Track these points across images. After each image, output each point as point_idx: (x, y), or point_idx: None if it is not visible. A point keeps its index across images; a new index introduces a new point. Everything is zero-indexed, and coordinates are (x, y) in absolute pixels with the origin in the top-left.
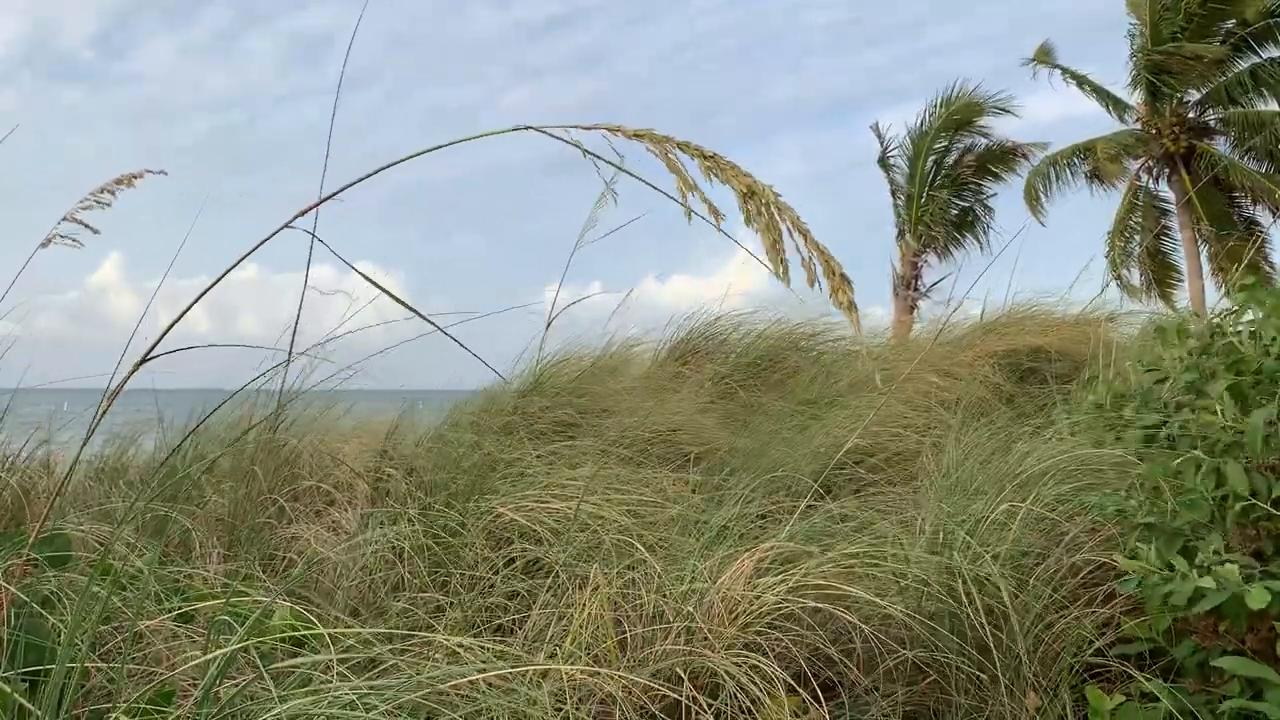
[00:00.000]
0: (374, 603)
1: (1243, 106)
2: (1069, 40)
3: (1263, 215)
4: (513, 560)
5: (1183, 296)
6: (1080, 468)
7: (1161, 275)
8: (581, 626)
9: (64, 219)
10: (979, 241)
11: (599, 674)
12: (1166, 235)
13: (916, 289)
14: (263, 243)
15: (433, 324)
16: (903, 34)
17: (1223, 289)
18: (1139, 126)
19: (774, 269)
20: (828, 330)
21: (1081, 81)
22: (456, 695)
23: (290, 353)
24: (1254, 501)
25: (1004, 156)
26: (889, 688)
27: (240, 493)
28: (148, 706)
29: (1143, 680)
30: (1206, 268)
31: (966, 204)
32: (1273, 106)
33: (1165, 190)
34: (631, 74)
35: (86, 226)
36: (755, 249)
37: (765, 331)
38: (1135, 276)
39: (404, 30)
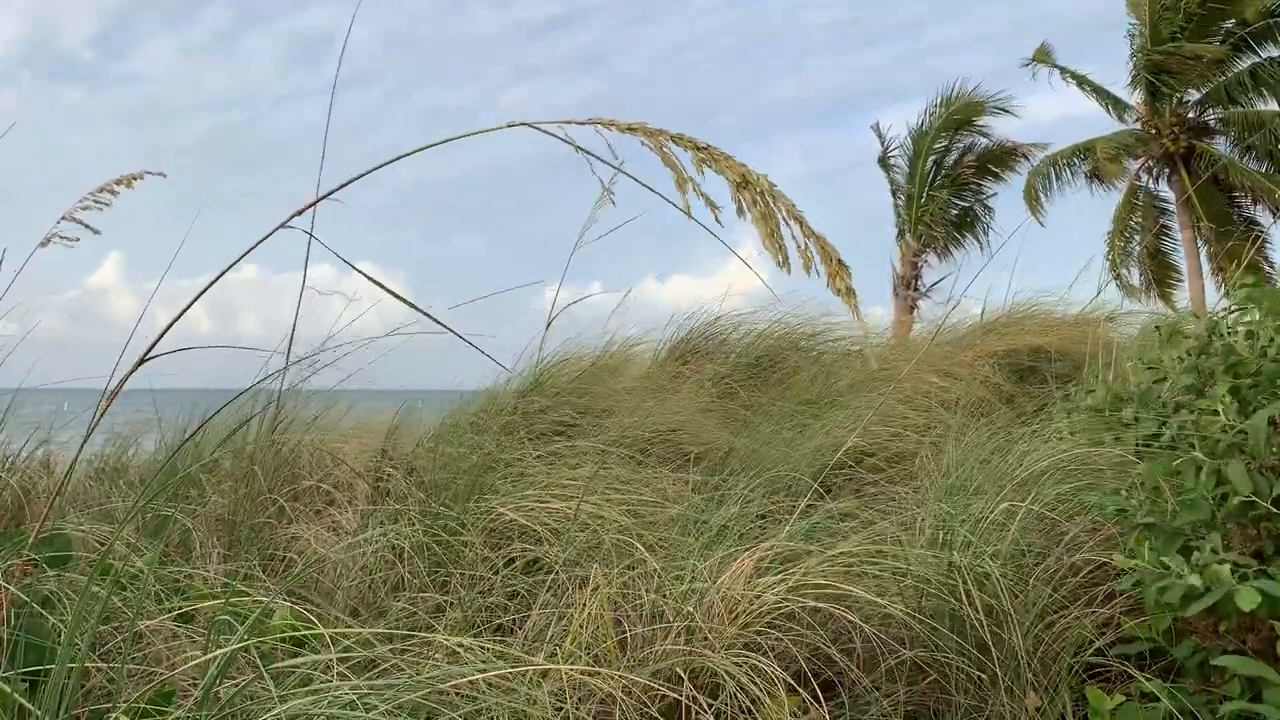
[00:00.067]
0: (374, 603)
1: (1242, 106)
2: (1069, 40)
3: (1263, 215)
4: (513, 560)
5: (1183, 296)
6: (1080, 467)
7: (1161, 275)
8: (581, 626)
9: (63, 219)
10: (979, 241)
11: (599, 674)
12: (1166, 235)
13: (916, 289)
14: (259, 243)
15: (436, 320)
16: (903, 33)
17: (1222, 289)
18: (1139, 126)
19: (773, 256)
20: (828, 330)
21: (1081, 81)
22: (456, 695)
23: (289, 356)
24: (1254, 499)
25: (1004, 156)
26: (889, 687)
27: (240, 492)
28: (148, 706)
29: (1143, 680)
30: (1206, 268)
31: (966, 204)
32: (1273, 106)
33: (1165, 190)
34: (631, 74)
35: (86, 226)
36: (751, 249)
37: (765, 331)
38: (1135, 276)
39: (404, 30)
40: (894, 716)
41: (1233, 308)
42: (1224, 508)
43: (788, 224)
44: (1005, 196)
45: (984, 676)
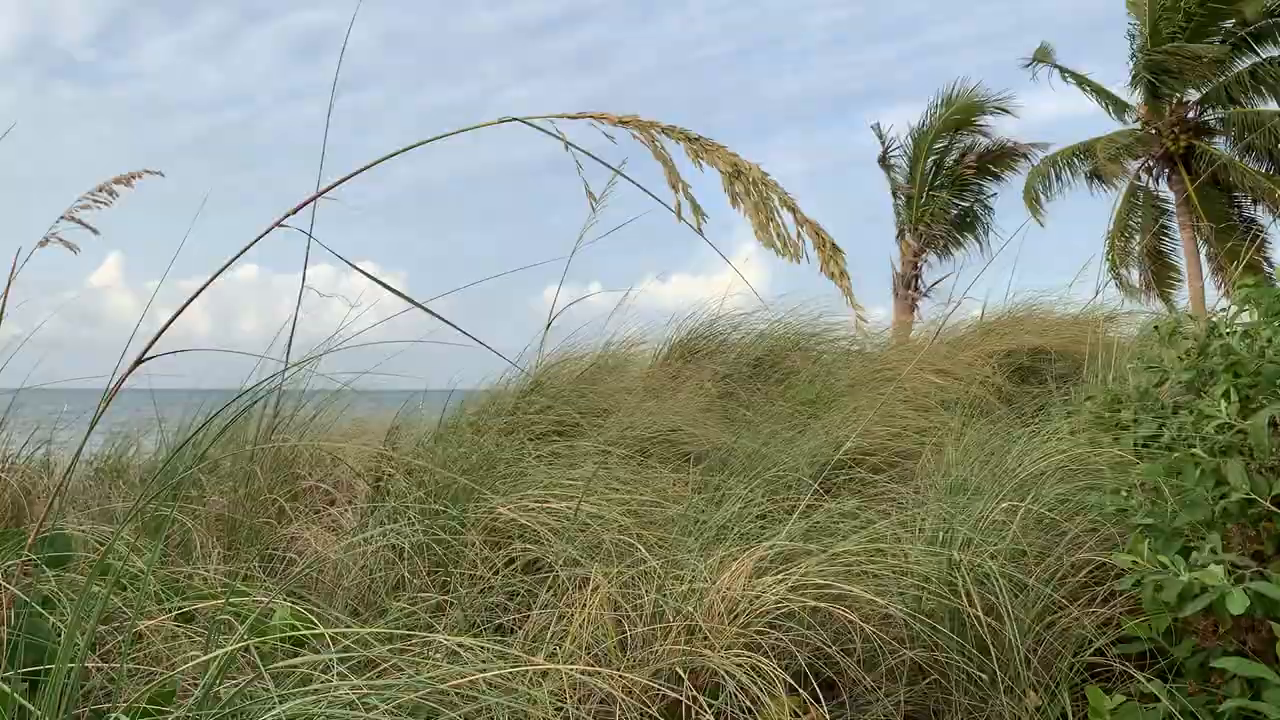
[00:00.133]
0: (374, 602)
1: (1242, 106)
2: (1069, 40)
3: (1263, 215)
4: (513, 560)
5: (1182, 296)
6: (1080, 467)
7: (1161, 275)
8: (581, 626)
9: (62, 218)
10: (979, 241)
11: (599, 674)
12: (1166, 235)
13: (917, 289)
14: (253, 243)
15: (439, 317)
16: (903, 33)
17: (1222, 289)
18: (1139, 126)
19: (768, 245)
20: (828, 330)
21: (1081, 81)
22: (456, 695)
23: (288, 356)
24: (1254, 497)
25: (1004, 156)
26: (889, 687)
27: (240, 492)
28: (148, 706)
29: (1143, 680)
30: (1206, 268)
31: (967, 204)
32: (1273, 106)
33: (1165, 190)
34: (632, 73)
35: (85, 226)
36: (750, 249)
37: (765, 331)
38: (1135, 276)
39: (404, 29)
40: (894, 716)
41: (1232, 308)
42: (1221, 504)
43: (779, 213)
44: (1005, 196)
45: (984, 676)
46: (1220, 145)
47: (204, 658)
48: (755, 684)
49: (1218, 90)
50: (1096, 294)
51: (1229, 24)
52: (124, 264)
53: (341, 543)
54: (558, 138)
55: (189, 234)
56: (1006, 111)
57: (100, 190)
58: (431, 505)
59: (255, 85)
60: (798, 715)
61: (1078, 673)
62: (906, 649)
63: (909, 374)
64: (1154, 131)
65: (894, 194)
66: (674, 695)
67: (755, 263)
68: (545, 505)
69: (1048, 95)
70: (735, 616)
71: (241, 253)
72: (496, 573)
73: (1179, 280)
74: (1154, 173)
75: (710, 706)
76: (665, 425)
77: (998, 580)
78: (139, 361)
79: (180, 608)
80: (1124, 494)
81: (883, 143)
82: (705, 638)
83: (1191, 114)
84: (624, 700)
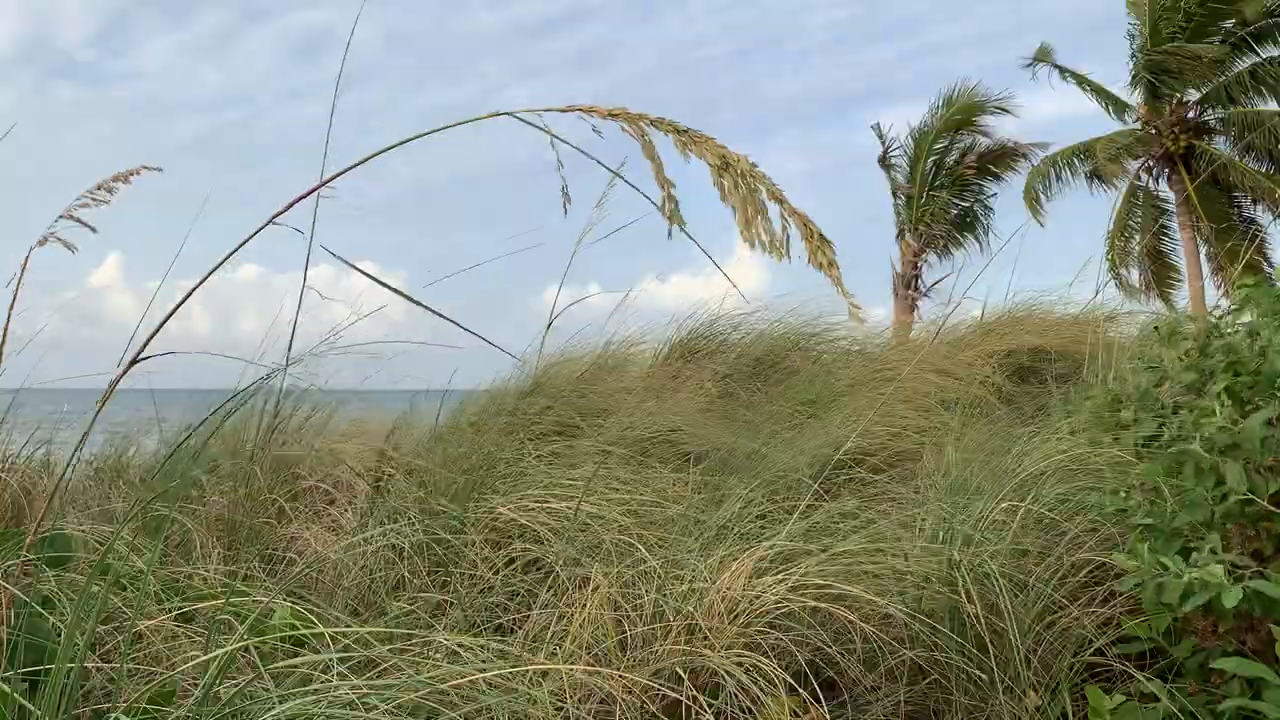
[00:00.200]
0: (374, 602)
1: (1242, 106)
2: (1069, 40)
3: (1263, 215)
4: (513, 560)
5: (1182, 296)
6: (1080, 467)
7: (1161, 275)
8: (581, 626)
9: (61, 217)
10: (979, 241)
11: (599, 673)
12: (1166, 235)
13: (917, 289)
14: (246, 240)
15: (441, 315)
16: (903, 33)
17: (1222, 289)
18: (1139, 126)
19: (751, 243)
20: (828, 330)
21: (1081, 81)
22: (457, 695)
23: (287, 359)
24: (1252, 497)
25: (1004, 156)
26: (889, 687)
27: (240, 493)
28: (148, 706)
29: (1143, 680)
30: (1206, 268)
31: (967, 204)
32: (1273, 106)
33: (1165, 190)
34: (632, 73)
35: (83, 224)
36: (742, 249)
37: (765, 331)
38: (1135, 276)
39: (404, 29)
40: (894, 716)
41: (1232, 307)
42: (1221, 507)
43: (767, 206)
44: (1005, 196)
45: (984, 676)
46: (1220, 145)
47: (204, 658)
48: (755, 684)
49: (1218, 90)
50: (1096, 294)
51: (1229, 24)
52: (124, 264)
53: (341, 543)
54: (544, 131)
55: (189, 234)
56: (1007, 111)
57: (99, 188)
58: (431, 505)
59: (255, 85)
60: (798, 715)
61: (1078, 672)
62: (906, 649)
63: (909, 374)
64: (1154, 131)
65: (894, 194)
66: (674, 695)
67: (754, 263)
68: (545, 505)
69: (1048, 95)
70: (735, 616)
71: (234, 251)
72: (497, 572)
73: (1179, 280)
74: (1154, 173)
75: (710, 706)
76: (665, 425)
77: (998, 580)
78: (134, 362)
79: (180, 608)
80: (1123, 494)
81: (883, 143)
82: (705, 638)
83: (1191, 114)
84: (624, 700)
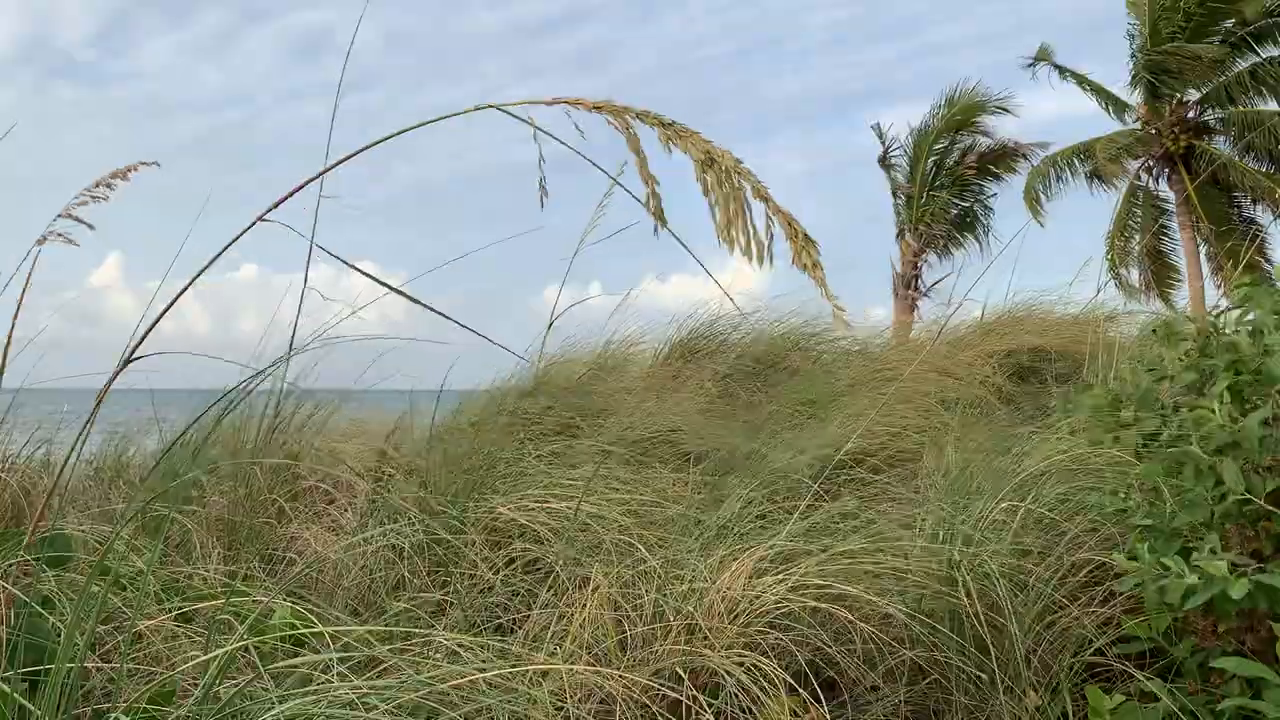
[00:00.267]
0: (374, 602)
1: (1242, 106)
2: (1069, 40)
3: (1263, 215)
4: (513, 560)
5: (1182, 296)
6: (1080, 467)
7: (1161, 275)
8: (582, 626)
9: (59, 215)
10: (979, 241)
11: (599, 673)
12: (1166, 235)
13: (917, 289)
14: (235, 239)
15: (444, 315)
16: (903, 33)
17: (1222, 289)
18: (1139, 126)
19: (730, 245)
20: (828, 330)
21: (1081, 80)
22: (456, 695)
23: (287, 359)
24: (1250, 497)
25: (1005, 156)
26: (890, 687)
27: (240, 493)
28: (148, 706)
29: (1143, 680)
30: (1206, 268)
31: (967, 204)
32: (1273, 106)
33: (1165, 190)
34: (632, 73)
35: (81, 222)
36: (737, 250)
37: (765, 331)
38: (1135, 276)
39: (404, 29)
40: (894, 716)
41: (1232, 306)
42: (1220, 507)
43: (751, 205)
44: (1005, 196)
45: (984, 676)
46: (1220, 145)
47: (204, 658)
48: (755, 684)
49: (1218, 90)
50: (1098, 293)
51: (1229, 24)
52: (124, 264)
53: (341, 543)
54: (528, 123)
55: (189, 234)
56: (1007, 111)
57: (97, 185)
58: (431, 504)
59: (255, 85)
60: (798, 715)
61: (1078, 672)
62: (906, 649)
63: (909, 374)
64: (1154, 131)
65: (894, 194)
66: (674, 695)
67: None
68: (545, 505)
69: (1048, 95)
70: (735, 616)
71: (224, 250)
72: (497, 572)
73: (1179, 280)
74: (1154, 173)
75: (710, 706)
76: (665, 425)
77: (998, 580)
78: (127, 362)
79: (180, 608)
80: (1122, 495)
81: (883, 143)
82: (705, 637)
83: (1191, 114)
84: (624, 700)
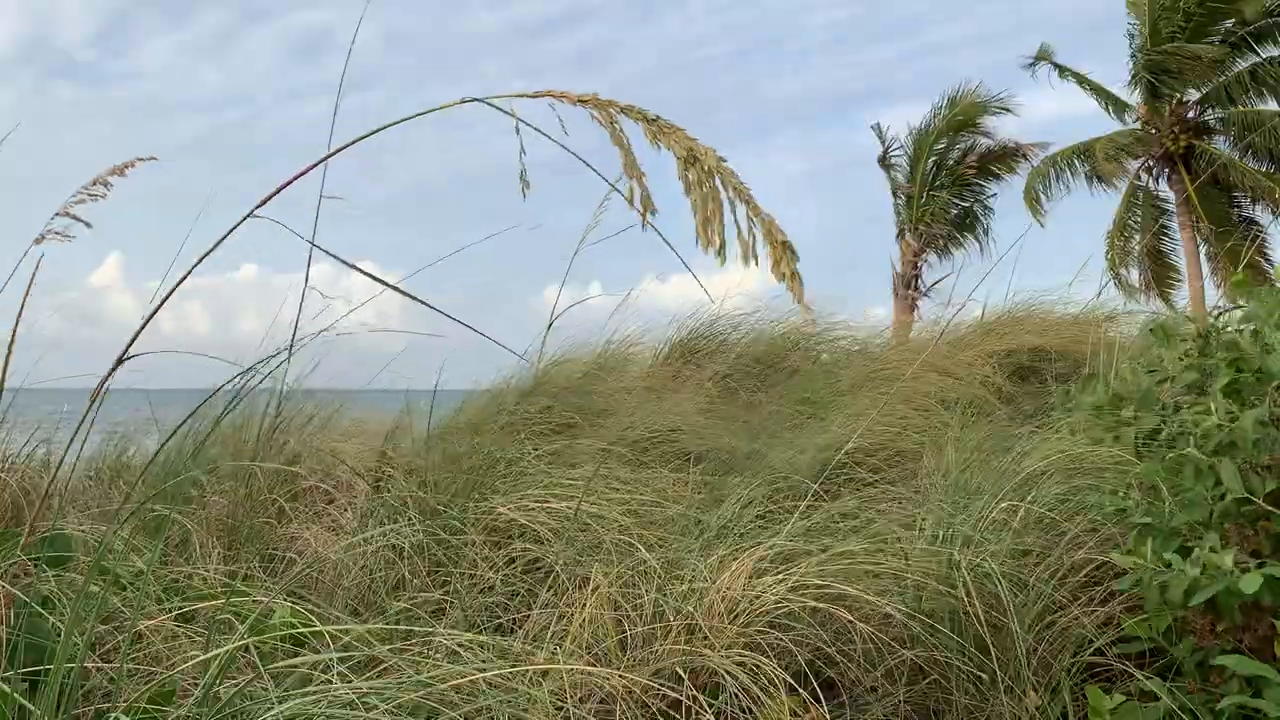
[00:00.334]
0: (374, 602)
1: (1242, 106)
2: (1069, 40)
3: (1262, 215)
4: (513, 560)
5: (1182, 296)
6: (1080, 467)
7: (1161, 275)
8: (581, 626)
9: (57, 214)
10: (979, 241)
11: (599, 673)
12: (1166, 235)
13: (917, 288)
14: (227, 234)
15: (444, 314)
16: (903, 33)
17: (1221, 289)
18: (1138, 126)
19: (704, 246)
20: (828, 330)
21: (1081, 80)
22: (456, 695)
23: (289, 359)
24: (1249, 496)
25: (1005, 157)
26: (890, 687)
27: (240, 492)
28: (148, 706)
29: (1142, 679)
30: (1206, 268)
31: (967, 204)
32: (1273, 106)
33: (1165, 190)
34: (632, 73)
35: (78, 220)
36: (732, 249)
37: (765, 331)
38: (1134, 276)
39: (404, 29)
40: (894, 716)
41: (1231, 306)
42: (1219, 506)
43: (734, 207)
44: (1005, 196)
45: (984, 676)
46: (1220, 145)
47: (204, 657)
48: (755, 684)
49: (1218, 90)
50: (1099, 293)
51: (1229, 24)
52: (124, 264)
53: (341, 543)
54: (509, 114)
55: (189, 234)
56: (1009, 111)
57: (94, 183)
58: (431, 504)
59: (255, 85)
60: (797, 715)
61: (1078, 672)
62: (906, 649)
63: (910, 374)
64: (1154, 131)
65: (894, 193)
66: (674, 695)
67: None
68: (545, 505)
69: (1048, 95)
70: (735, 616)
71: (213, 248)
72: (497, 572)
73: (1179, 280)
74: (1154, 172)
75: (710, 706)
76: (665, 425)
77: (999, 580)
78: (119, 361)
79: (180, 608)
80: (1122, 494)
81: (883, 143)
82: (705, 637)
83: (1191, 114)
84: (624, 700)
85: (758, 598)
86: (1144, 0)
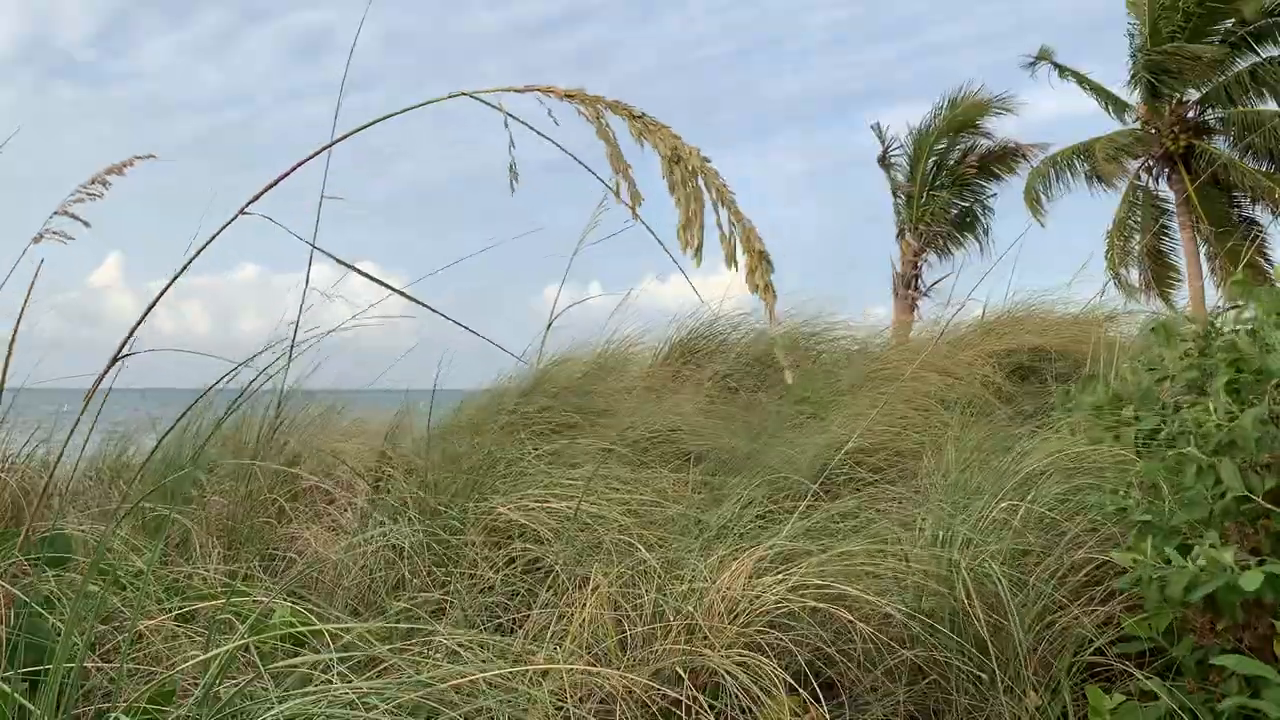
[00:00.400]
0: (374, 602)
1: (1242, 106)
2: (1069, 40)
3: (1262, 215)
4: (513, 559)
5: (1182, 296)
6: (1080, 467)
7: (1161, 275)
8: (581, 626)
9: (56, 213)
10: (979, 241)
11: (599, 673)
12: (1166, 235)
13: (917, 288)
14: (218, 232)
15: (445, 316)
16: (903, 33)
17: (1221, 289)
18: (1138, 125)
19: (683, 246)
20: (827, 330)
21: (1081, 80)
22: (456, 695)
23: (289, 359)
24: (1249, 495)
25: (1005, 157)
26: (889, 687)
27: (241, 492)
28: (148, 706)
29: (1142, 679)
30: (1206, 267)
31: (967, 204)
32: (1272, 106)
33: (1165, 190)
34: (632, 73)
35: (77, 219)
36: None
37: (765, 331)
38: (1134, 276)
39: (404, 29)
40: (894, 716)
41: (1230, 305)
42: (1219, 505)
43: (717, 209)
44: (1005, 196)
45: (984, 676)
46: (1220, 145)
47: (204, 657)
48: (755, 684)
49: (1217, 90)
50: (1100, 293)
51: (1228, 24)
52: (124, 264)
53: (341, 543)
54: (497, 109)
55: (189, 234)
56: (1010, 111)
57: (93, 182)
58: (431, 504)
59: (255, 85)
60: (797, 715)
61: (1078, 672)
62: (906, 649)
63: (910, 374)
64: (1154, 131)
65: (894, 193)
66: (674, 695)
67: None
68: (545, 505)
69: (1048, 95)
70: (735, 616)
71: (205, 246)
72: (497, 572)
73: (1179, 280)
74: (1154, 172)
75: (710, 706)
76: (665, 425)
77: (999, 580)
78: (114, 361)
79: (180, 608)
80: (1122, 493)
81: (883, 142)
82: (705, 637)
83: (1191, 114)
84: (624, 700)
85: (758, 598)
86: (1144, 0)
